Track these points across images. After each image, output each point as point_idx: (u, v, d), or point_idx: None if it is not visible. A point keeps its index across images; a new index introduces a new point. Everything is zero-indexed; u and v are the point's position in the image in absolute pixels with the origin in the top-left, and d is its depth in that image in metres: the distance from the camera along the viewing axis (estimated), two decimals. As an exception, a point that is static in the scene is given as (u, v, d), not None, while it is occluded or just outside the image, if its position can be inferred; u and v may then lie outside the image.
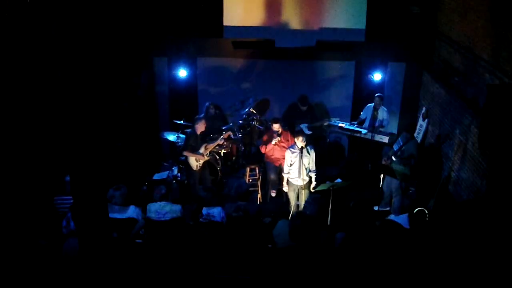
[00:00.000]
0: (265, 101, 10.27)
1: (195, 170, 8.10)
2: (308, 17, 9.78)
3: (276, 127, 8.03)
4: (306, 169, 7.42)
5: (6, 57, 5.78)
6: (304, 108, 9.33)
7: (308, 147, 7.42)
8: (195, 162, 8.04)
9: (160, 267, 4.65)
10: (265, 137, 8.26)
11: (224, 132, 8.55)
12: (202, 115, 9.48)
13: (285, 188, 7.73)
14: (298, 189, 7.56)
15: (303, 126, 9.19)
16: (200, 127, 8.06)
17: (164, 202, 6.21)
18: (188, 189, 8.36)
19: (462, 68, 8.24)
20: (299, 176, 7.42)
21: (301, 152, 7.31)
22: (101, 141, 4.47)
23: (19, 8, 6.02)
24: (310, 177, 7.55)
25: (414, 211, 5.55)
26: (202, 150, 8.05)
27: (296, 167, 7.38)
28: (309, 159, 7.44)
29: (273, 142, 7.99)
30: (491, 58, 7.12)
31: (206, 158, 8.13)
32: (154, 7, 9.54)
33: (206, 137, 8.44)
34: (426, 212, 5.37)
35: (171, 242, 4.94)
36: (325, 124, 9.28)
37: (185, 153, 8.10)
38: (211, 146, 8.17)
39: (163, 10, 9.63)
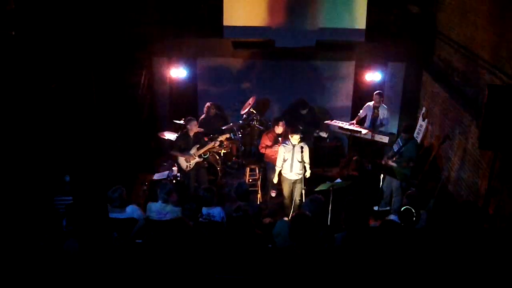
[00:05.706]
0: (265, 101, 10.29)
1: (187, 171, 8.08)
2: (308, 17, 9.79)
3: (279, 128, 7.98)
4: (300, 162, 7.49)
5: (6, 58, 5.78)
6: (304, 111, 9.33)
7: (300, 144, 7.48)
8: (184, 162, 8.02)
9: (160, 267, 4.65)
10: (264, 138, 8.23)
11: (220, 135, 8.51)
12: (203, 115, 9.50)
13: (275, 179, 7.81)
14: (292, 184, 7.66)
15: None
16: (193, 128, 8.00)
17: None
18: (186, 189, 8.36)
19: (462, 68, 8.24)
20: (291, 171, 7.53)
21: (294, 148, 7.39)
22: (101, 141, 4.47)
23: (20, 9, 6.02)
24: (304, 171, 7.60)
25: (401, 210, 5.55)
26: (193, 151, 8.01)
27: (289, 162, 7.50)
28: (302, 154, 7.49)
29: (274, 149, 7.99)
30: (491, 58, 7.12)
31: (197, 159, 8.05)
32: (154, 7, 9.55)
33: (205, 137, 8.41)
34: (413, 211, 5.37)
35: (171, 242, 4.93)
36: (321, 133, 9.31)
37: (172, 153, 8.14)
38: (204, 149, 8.11)
39: (163, 10, 9.64)
